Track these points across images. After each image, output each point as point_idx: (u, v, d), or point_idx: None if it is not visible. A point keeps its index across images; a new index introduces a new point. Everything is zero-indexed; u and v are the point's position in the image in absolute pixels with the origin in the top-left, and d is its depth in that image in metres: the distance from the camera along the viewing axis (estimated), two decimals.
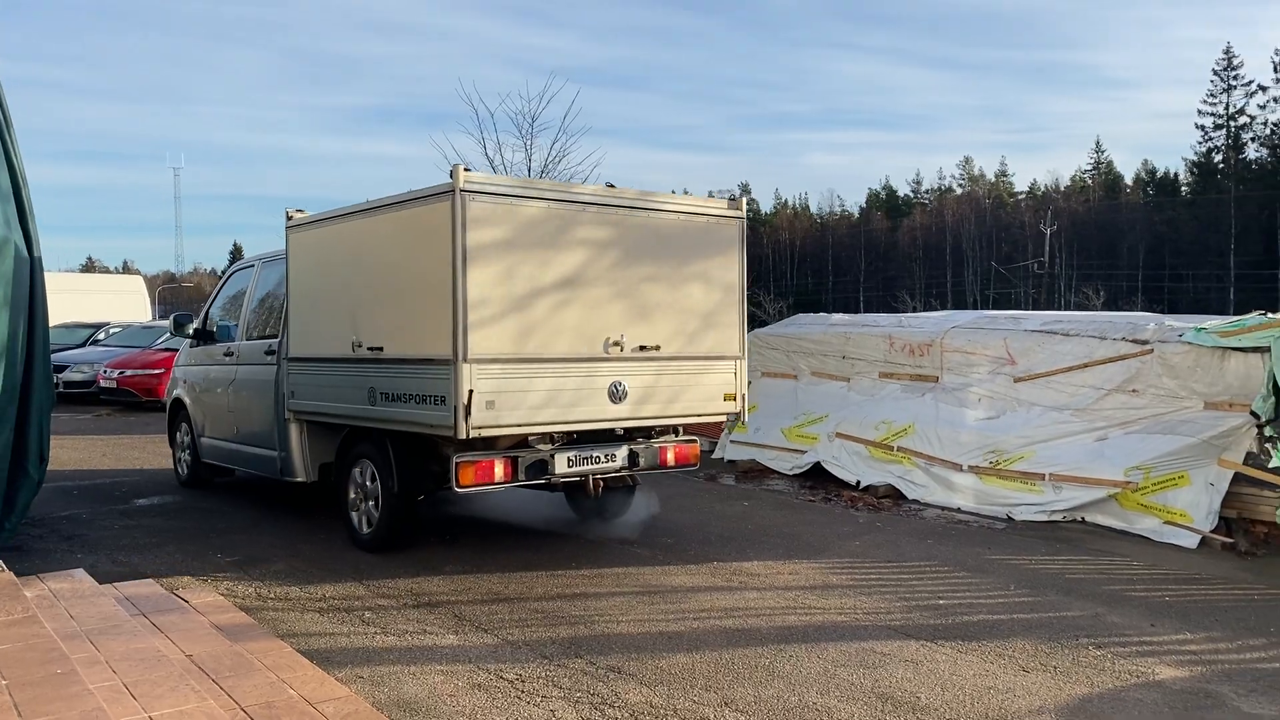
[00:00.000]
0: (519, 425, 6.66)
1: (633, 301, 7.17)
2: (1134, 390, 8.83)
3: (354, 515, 7.73)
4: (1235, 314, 9.23)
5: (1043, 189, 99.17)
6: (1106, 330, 9.36)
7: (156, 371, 19.53)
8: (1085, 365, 9.23)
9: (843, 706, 4.65)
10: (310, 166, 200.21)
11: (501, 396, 6.52)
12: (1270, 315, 8.28)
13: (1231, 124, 79.61)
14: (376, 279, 7.24)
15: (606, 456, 7.21)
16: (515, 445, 6.92)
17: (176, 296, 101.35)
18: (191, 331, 10.24)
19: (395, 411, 6.95)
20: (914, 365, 10.86)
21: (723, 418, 7.81)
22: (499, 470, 6.72)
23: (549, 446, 6.94)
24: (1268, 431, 7.91)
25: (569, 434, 7.01)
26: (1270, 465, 7.83)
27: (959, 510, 9.23)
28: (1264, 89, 77.63)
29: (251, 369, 9.06)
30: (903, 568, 7.23)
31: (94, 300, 29.56)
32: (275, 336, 8.74)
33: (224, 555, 7.52)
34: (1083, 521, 8.57)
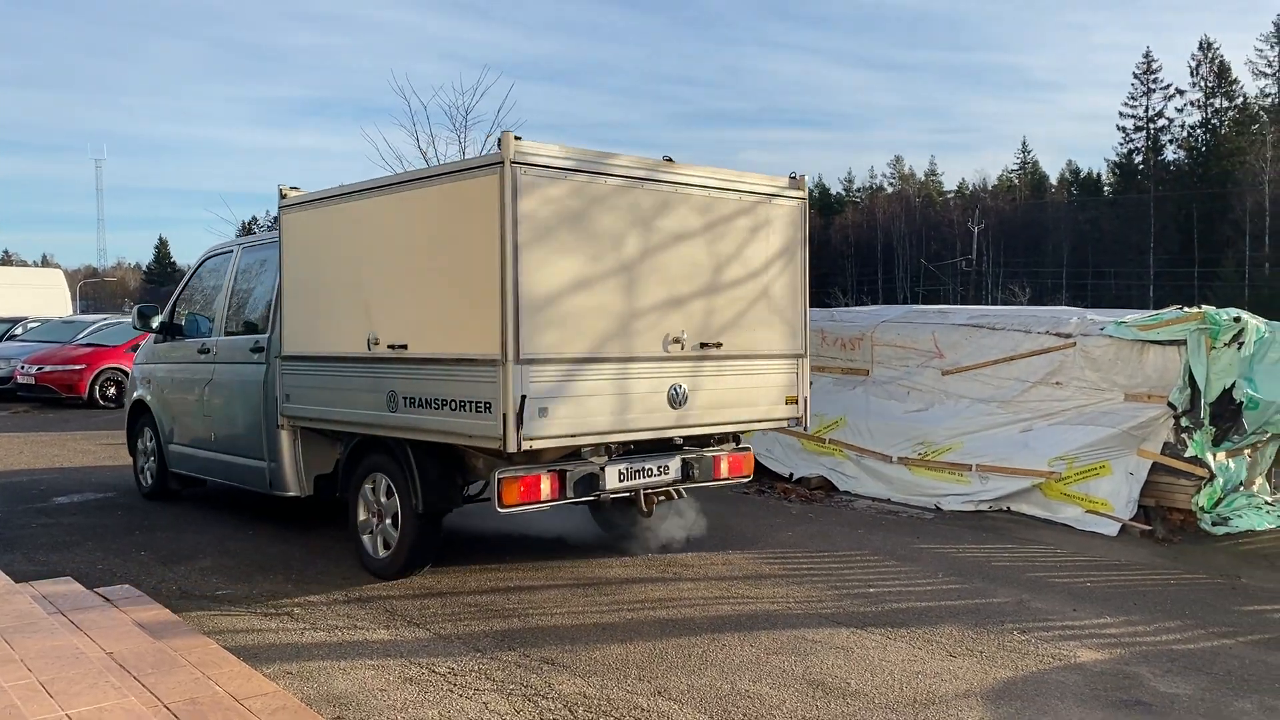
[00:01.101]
0: (573, 436, 5.80)
1: (693, 293, 6.35)
2: (1057, 383, 9.04)
3: (366, 538, 6.75)
4: (1154, 309, 9.49)
5: (971, 188, 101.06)
6: (1031, 324, 9.57)
7: (77, 368, 19.01)
8: (1010, 358, 9.43)
9: (774, 693, 4.69)
10: (240, 159, 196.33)
11: (555, 403, 5.66)
12: (1186, 310, 8.53)
13: (1151, 126, 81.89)
14: (399, 266, 6.33)
15: (659, 469, 6.42)
16: (561, 457, 6.05)
17: (98, 291, 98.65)
18: (157, 325, 9.18)
19: (422, 419, 6.05)
20: (845, 359, 11.00)
21: (784, 423, 7.02)
22: (545, 487, 5.86)
23: (602, 459, 6.07)
24: (1184, 422, 8.15)
25: (625, 445, 6.22)
26: (1186, 455, 8.08)
27: (889, 501, 9.37)
28: (1181, 93, 79.98)
29: (233, 368, 8.07)
30: (834, 557, 7.32)
31: (11, 295, 28.68)
32: (262, 331, 7.78)
33: (147, 553, 7.34)
34: (1008, 511, 8.75)
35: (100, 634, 5.02)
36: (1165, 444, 8.21)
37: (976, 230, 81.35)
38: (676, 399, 6.20)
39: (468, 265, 5.75)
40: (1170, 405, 8.16)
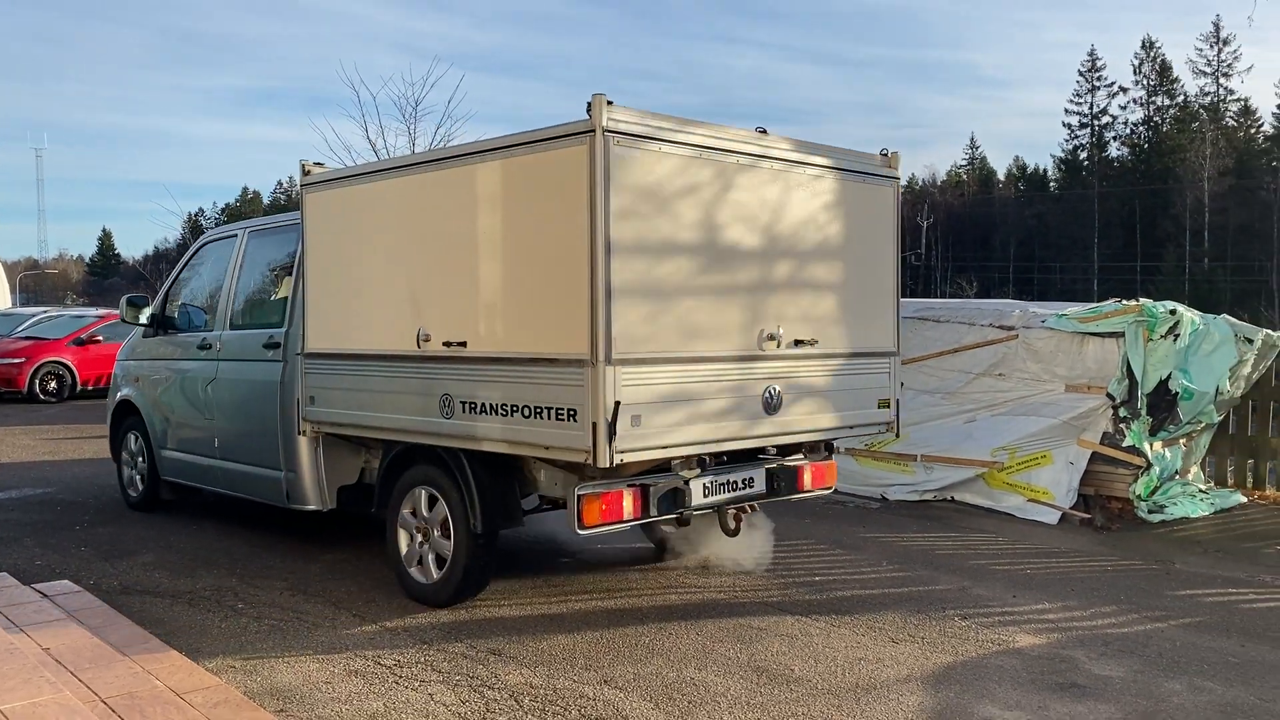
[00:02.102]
0: (666, 447, 5.09)
1: (788, 282, 5.71)
2: (1000, 374, 9.19)
3: (406, 554, 5.98)
4: (1097, 302, 9.69)
5: (920, 183, 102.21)
6: (975, 317, 9.71)
7: (16, 361, 18.60)
8: (955, 350, 9.57)
9: (720, 680, 4.74)
10: (185, 150, 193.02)
11: (649, 410, 4.95)
12: (1125, 303, 8.72)
13: (1095, 123, 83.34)
14: (457, 252, 5.53)
15: (745, 482, 5.77)
16: (642, 470, 5.35)
17: (39, 284, 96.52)
18: (147, 318, 8.34)
19: (484, 427, 5.32)
20: None
21: (875, 429, 6.34)
22: (628, 504, 5.21)
23: (693, 472, 5.38)
24: (1122, 412, 8.33)
25: (718, 456, 5.57)
26: (1124, 444, 8.26)
27: (836, 491, 9.46)
28: (1124, 90, 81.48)
29: (242, 366, 7.22)
30: (780, 546, 7.38)
31: None
32: (277, 325, 6.96)
33: (88, 548, 7.22)
34: (952, 500, 8.89)
35: (37, 630, 4.94)
36: (1104, 434, 8.39)
37: (926, 225, 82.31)
38: (771, 403, 5.52)
39: (547, 251, 5.02)
40: (1109, 396, 8.34)
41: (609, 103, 4.79)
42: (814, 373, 5.81)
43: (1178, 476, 8.72)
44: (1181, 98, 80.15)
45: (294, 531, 7.58)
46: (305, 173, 6.52)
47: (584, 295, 4.81)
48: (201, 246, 8.42)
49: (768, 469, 5.91)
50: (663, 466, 5.32)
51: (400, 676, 4.75)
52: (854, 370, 6.04)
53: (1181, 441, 8.75)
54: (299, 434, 6.54)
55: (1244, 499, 8.78)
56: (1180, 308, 8.60)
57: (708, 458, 5.37)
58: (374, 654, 5.05)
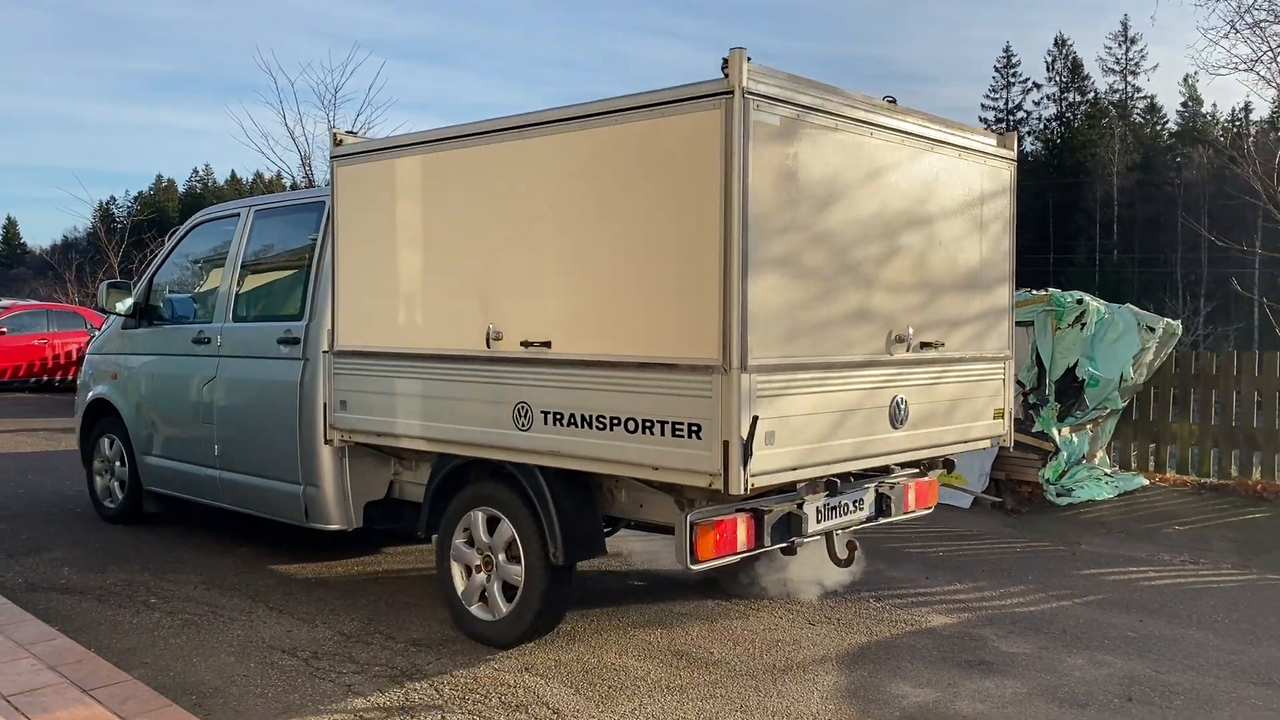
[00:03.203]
0: (795, 469, 4.34)
1: (914, 276, 4.99)
2: None
3: (465, 594, 5.14)
4: None
5: None
6: None
7: None
8: None
9: (639, 664, 4.79)
10: (95, 135, 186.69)
11: (783, 425, 4.22)
12: (1034, 292, 8.98)
13: (1010, 118, 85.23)
14: (540, 236, 4.68)
15: (855, 504, 5.03)
16: (754, 493, 4.36)
17: None
18: (129, 307, 7.42)
19: (574, 442, 4.52)
20: None
21: (987, 442, 5.62)
22: (741, 534, 4.42)
23: (817, 496, 4.75)
24: (1031, 399, 8.59)
25: (845, 477, 4.87)
26: (1034, 430, 8.51)
27: None
28: (1038, 86, 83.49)
29: (250, 364, 6.35)
30: None
31: None
32: (295, 317, 6.10)
33: None
34: None
35: None
36: (1015, 420, 8.62)
37: None
38: (898, 416, 4.83)
39: (665, 236, 4.22)
40: (1019, 383, 8.58)
41: (749, 58, 4.00)
42: (939, 380, 5.14)
43: (1084, 461, 9.02)
44: (1092, 94, 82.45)
45: (209, 526, 7.44)
46: (336, 142, 5.69)
47: (714, 288, 4.02)
48: (194, 228, 7.48)
49: (878, 491, 5.19)
50: (779, 489, 4.58)
51: (317, 669, 4.70)
52: (973, 376, 5.40)
53: (1088, 427, 9.04)
54: (324, 443, 5.73)
55: (1146, 482, 9.10)
56: (1087, 297, 8.88)
57: (837, 480, 4.69)
58: (291, 646, 4.98)
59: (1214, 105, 65.07)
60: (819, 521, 4.79)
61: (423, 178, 5.26)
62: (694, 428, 4.12)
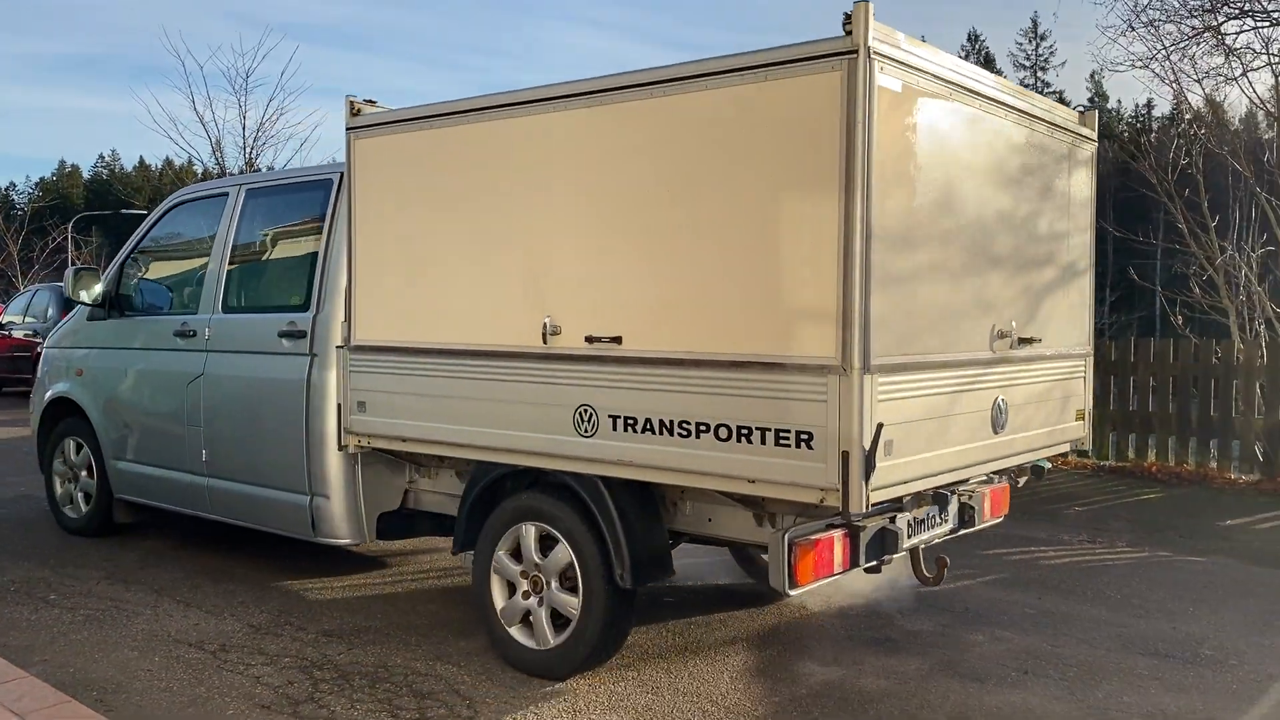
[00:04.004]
0: (909, 481, 3.87)
1: (1014, 264, 4.54)
2: None
3: (507, 617, 4.56)
4: None
5: None
6: None
7: None
8: None
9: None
10: None
11: (902, 432, 3.73)
12: None
13: None
14: (609, 218, 4.11)
15: (941, 517, 4.54)
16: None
17: None
18: (98, 296, 6.66)
19: (650, 451, 3.96)
20: None
21: (1067, 447, 5.20)
22: (838, 554, 3.91)
23: (921, 509, 4.33)
24: None
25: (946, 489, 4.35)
26: None
27: None
28: None
29: (244, 360, 5.69)
30: None
31: None
32: (299, 307, 5.43)
33: None
34: None
35: None
36: None
37: None
38: (998, 419, 4.40)
39: (768, 217, 3.69)
40: None
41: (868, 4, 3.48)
42: (1033, 379, 4.73)
43: None
44: None
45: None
46: (354, 112, 5.04)
47: (832, 277, 3.51)
48: (171, 209, 6.65)
49: (962, 502, 4.66)
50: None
51: (225, 661, 4.61)
52: (1060, 374, 5.00)
53: None
54: (338, 449, 5.17)
55: (1049, 465, 9.40)
56: None
57: (947, 492, 4.27)
58: (198, 640, 4.88)
59: (1118, 101, 67.00)
60: (910, 537, 4.30)
61: (462, 151, 4.59)
62: (804, 436, 3.59)
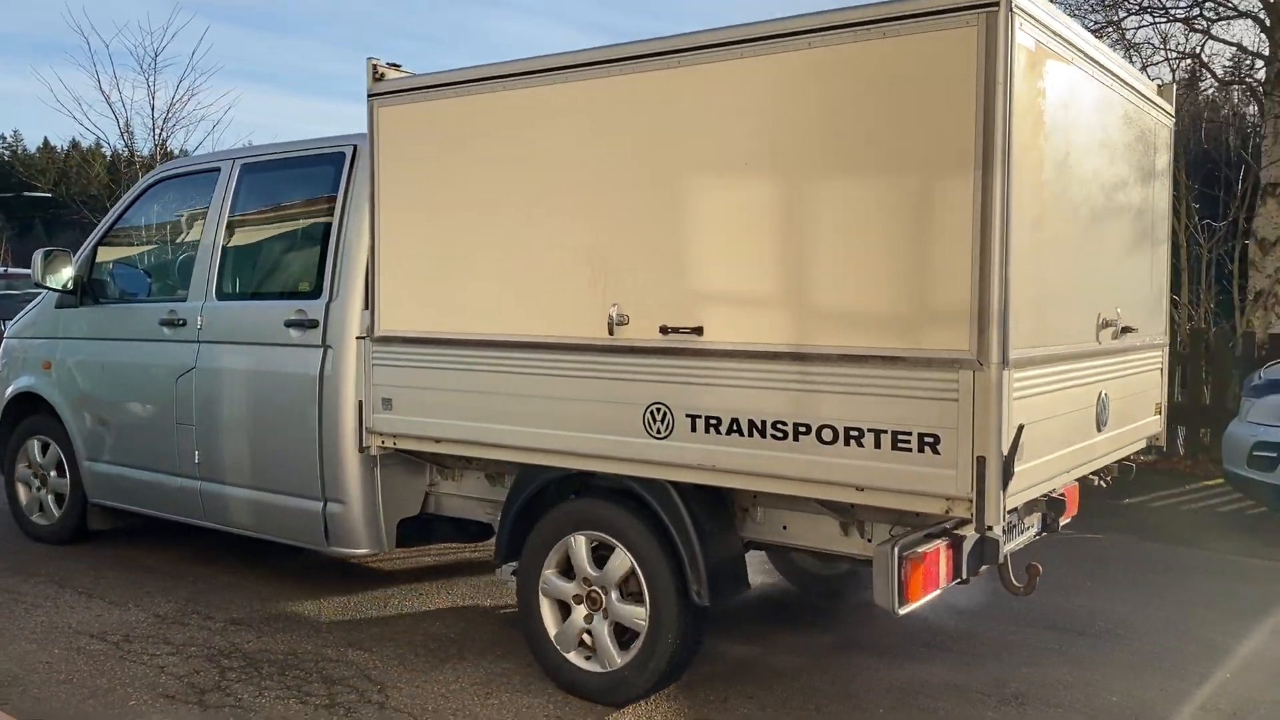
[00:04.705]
0: (1036, 485, 3.55)
1: (1114, 248, 4.24)
2: None
3: (562, 641, 4.12)
4: None
5: None
6: None
7: None
8: None
9: (468, 633, 4.80)
10: None
11: (1034, 432, 3.36)
12: None
13: None
14: (691, 193, 3.64)
15: (1026, 522, 4.18)
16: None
17: None
18: (69, 281, 6.07)
19: (738, 454, 3.55)
20: None
21: (1143, 443, 4.83)
22: (943, 567, 3.52)
23: (1034, 515, 4.08)
24: None
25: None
26: None
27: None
28: None
29: (245, 352, 5.14)
30: None
31: None
32: (310, 294, 4.91)
33: None
34: None
35: None
36: None
37: None
38: (1102, 416, 4.06)
39: (887, 191, 3.26)
40: None
41: None
42: (1128, 371, 4.39)
43: None
44: None
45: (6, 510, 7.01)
46: (377, 77, 4.50)
47: (966, 257, 3.10)
48: (152, 185, 5.99)
49: (1049, 498, 3.99)
50: None
51: (128, 652, 4.50)
52: (1146, 365, 4.70)
53: None
54: (359, 450, 4.67)
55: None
56: None
57: (1063, 498, 3.91)
58: (100, 631, 4.76)
59: None
60: (1006, 545, 3.87)
61: (509, 120, 4.07)
62: (928, 439, 3.20)
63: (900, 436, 3.25)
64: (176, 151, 19.29)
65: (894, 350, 3.25)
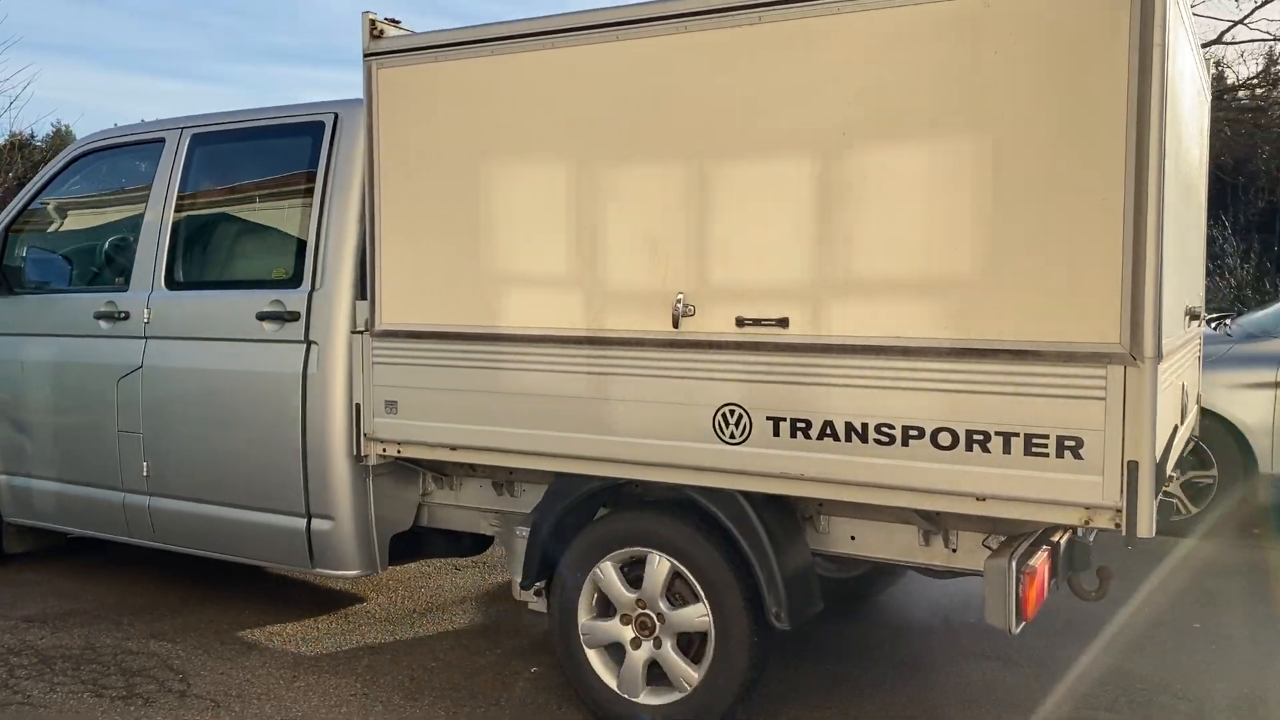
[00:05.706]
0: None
1: (1193, 229, 4.00)
2: None
3: (618, 684, 3.64)
4: None
5: None
6: None
7: None
8: None
9: (276, 617, 4.76)
10: None
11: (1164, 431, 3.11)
12: None
13: None
14: (763, 169, 3.23)
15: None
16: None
17: None
18: None
19: (832, 461, 3.18)
20: None
21: (1193, 443, 4.68)
22: (1045, 577, 3.19)
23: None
24: None
25: None
26: None
27: None
28: None
29: (205, 349, 4.50)
30: None
31: None
32: (287, 283, 4.31)
33: None
34: None
35: None
36: None
37: None
38: (1185, 409, 3.78)
39: (1019, 161, 2.88)
40: None
41: None
42: (1192, 362, 4.06)
43: None
44: None
45: None
46: (376, 34, 3.92)
47: (1116, 238, 2.76)
48: (76, 158, 5.17)
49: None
50: None
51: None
52: (1196, 357, 4.43)
53: None
54: (357, 459, 4.13)
55: None
56: None
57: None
58: None
59: None
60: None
61: (544, 84, 3.57)
62: (1069, 443, 2.86)
63: (1035, 440, 2.91)
64: None
65: (1027, 343, 2.90)
